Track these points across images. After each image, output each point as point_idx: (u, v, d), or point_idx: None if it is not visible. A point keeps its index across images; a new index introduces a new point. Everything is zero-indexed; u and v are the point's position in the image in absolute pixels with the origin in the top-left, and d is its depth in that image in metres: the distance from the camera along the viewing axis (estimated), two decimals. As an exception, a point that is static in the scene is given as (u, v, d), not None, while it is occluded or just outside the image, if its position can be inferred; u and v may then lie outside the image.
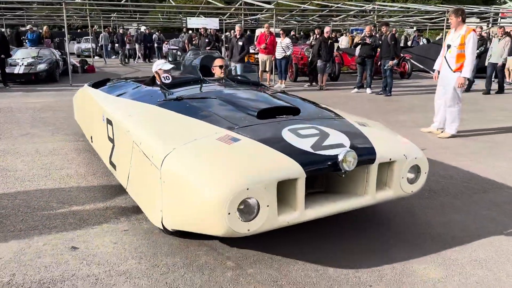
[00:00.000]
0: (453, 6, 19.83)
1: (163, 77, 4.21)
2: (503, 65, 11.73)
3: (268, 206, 2.42)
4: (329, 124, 3.16)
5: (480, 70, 12.22)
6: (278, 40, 12.33)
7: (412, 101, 9.95)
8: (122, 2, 15.77)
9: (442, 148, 5.72)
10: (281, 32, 12.56)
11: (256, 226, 2.43)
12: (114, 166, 3.79)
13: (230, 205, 2.32)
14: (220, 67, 4.62)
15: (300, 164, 2.57)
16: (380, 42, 10.56)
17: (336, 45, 15.66)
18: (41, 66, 12.34)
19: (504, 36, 11.32)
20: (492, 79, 11.58)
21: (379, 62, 11.00)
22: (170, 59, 17.95)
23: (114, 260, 2.79)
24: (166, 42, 25.07)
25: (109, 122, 3.91)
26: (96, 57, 19.00)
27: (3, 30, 17.04)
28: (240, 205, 2.37)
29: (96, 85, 5.44)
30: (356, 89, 11.31)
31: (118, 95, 4.55)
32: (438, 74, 6.32)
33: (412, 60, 14.90)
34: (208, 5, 18.51)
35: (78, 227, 3.26)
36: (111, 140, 3.85)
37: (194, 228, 2.65)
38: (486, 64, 11.52)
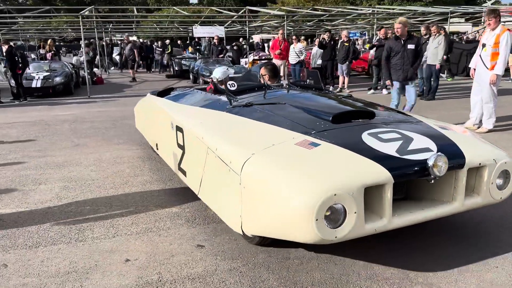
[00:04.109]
0: (443, 7, 20.44)
1: (229, 84, 4.24)
2: (441, 66, 10.34)
3: (355, 212, 2.36)
4: (409, 127, 3.07)
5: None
6: (291, 45, 12.63)
7: (432, 100, 10.21)
8: (135, 13, 15.87)
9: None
10: (293, 37, 12.87)
11: (343, 233, 2.37)
12: (184, 172, 3.84)
13: (318, 211, 2.27)
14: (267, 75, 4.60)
15: (387, 169, 2.49)
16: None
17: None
18: (58, 79, 12.39)
19: (438, 34, 9.90)
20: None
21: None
22: (176, 68, 18.14)
23: (245, 255, 2.95)
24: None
25: (178, 129, 3.95)
26: (95, 69, 18.87)
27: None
28: (327, 211, 2.32)
29: (161, 94, 5.54)
30: (372, 90, 11.63)
31: (185, 103, 4.63)
32: (474, 71, 6.61)
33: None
34: (216, 13, 18.72)
35: (192, 227, 3.42)
36: (181, 147, 3.90)
37: (277, 235, 2.61)
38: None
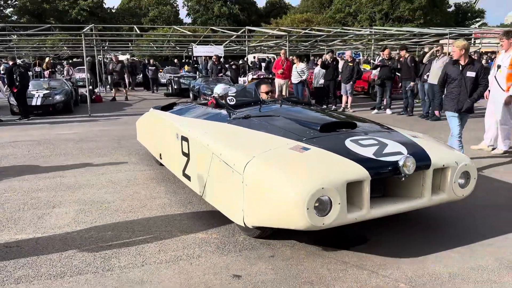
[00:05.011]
0: (440, 28, 20.76)
1: (229, 99, 4.79)
2: None
3: (339, 203, 2.79)
4: (385, 135, 3.58)
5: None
6: (293, 65, 12.62)
7: (438, 120, 10.15)
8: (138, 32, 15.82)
9: (501, 164, 5.93)
10: (294, 57, 12.89)
11: (330, 220, 2.80)
12: (188, 177, 4.27)
13: (309, 202, 2.70)
14: (266, 93, 5.08)
15: (365, 168, 2.95)
16: (399, 64, 10.94)
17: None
18: (58, 97, 12.22)
19: (442, 55, 9.68)
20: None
21: (400, 84, 11.33)
22: (175, 86, 18.05)
23: (287, 287, 2.79)
24: (161, 70, 25.02)
25: (184, 139, 4.35)
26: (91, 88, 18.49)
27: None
28: (316, 202, 2.74)
29: (164, 109, 5.88)
30: (376, 110, 11.60)
31: (189, 116, 5.03)
32: (489, 92, 6.59)
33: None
34: (214, 33, 18.77)
35: (223, 255, 3.25)
36: (186, 155, 4.28)
37: (275, 224, 3.03)
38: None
